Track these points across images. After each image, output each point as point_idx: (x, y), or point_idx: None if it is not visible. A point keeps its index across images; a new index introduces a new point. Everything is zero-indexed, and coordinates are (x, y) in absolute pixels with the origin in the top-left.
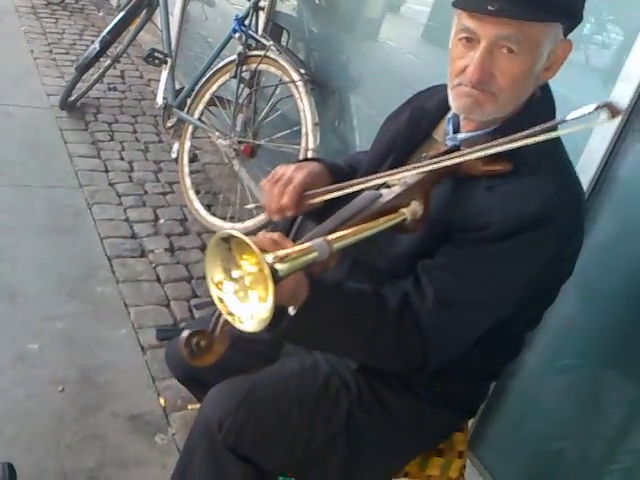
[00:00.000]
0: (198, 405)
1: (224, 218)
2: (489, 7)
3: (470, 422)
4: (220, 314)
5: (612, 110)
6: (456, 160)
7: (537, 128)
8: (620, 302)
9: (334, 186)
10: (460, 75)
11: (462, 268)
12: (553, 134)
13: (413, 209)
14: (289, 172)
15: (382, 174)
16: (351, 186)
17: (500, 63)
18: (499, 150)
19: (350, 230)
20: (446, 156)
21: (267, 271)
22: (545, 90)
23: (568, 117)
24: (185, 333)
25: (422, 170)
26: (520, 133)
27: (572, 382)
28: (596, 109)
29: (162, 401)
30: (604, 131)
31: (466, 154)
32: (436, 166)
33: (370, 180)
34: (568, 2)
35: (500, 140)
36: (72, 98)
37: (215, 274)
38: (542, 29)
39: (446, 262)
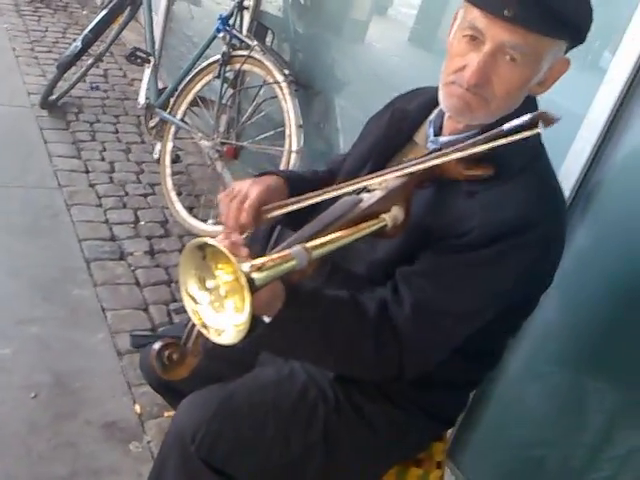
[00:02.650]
0: (174, 413)
1: (206, 220)
2: (505, 12)
3: (450, 430)
4: (194, 326)
5: (545, 120)
6: (434, 162)
7: (481, 137)
8: (600, 308)
9: (292, 199)
10: (457, 73)
11: (441, 275)
12: (517, 136)
13: (394, 215)
14: (245, 188)
15: (336, 186)
16: (310, 198)
17: (500, 70)
18: (475, 151)
19: (330, 237)
20: (422, 158)
21: (243, 280)
22: (529, 98)
23: (505, 126)
24: (156, 345)
25: (388, 176)
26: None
27: (552, 389)
28: (531, 118)
29: (137, 408)
30: (587, 137)
31: (443, 155)
32: (407, 170)
33: (328, 192)
34: (580, 23)
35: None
36: (53, 97)
37: (190, 285)
38: (548, 44)
39: (425, 269)
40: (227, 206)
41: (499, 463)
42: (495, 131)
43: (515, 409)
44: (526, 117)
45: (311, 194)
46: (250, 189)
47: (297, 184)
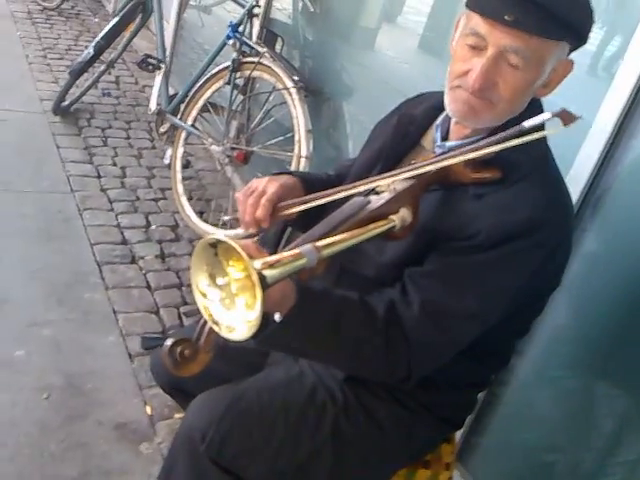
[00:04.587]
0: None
1: (216, 225)
2: (505, 17)
3: (459, 433)
4: (205, 322)
5: (565, 118)
6: (443, 163)
7: (500, 135)
8: (611, 312)
9: (309, 196)
10: (461, 77)
11: (449, 277)
12: (526, 138)
13: (402, 216)
14: (262, 184)
15: (351, 185)
16: (326, 196)
17: (504, 73)
18: (482, 153)
19: (339, 237)
20: (430, 160)
21: (255, 277)
22: (534, 100)
23: (525, 124)
24: (168, 342)
25: (398, 177)
26: (488, 139)
27: (563, 393)
28: (552, 117)
29: (148, 409)
30: (595, 142)
31: (452, 157)
32: (417, 172)
33: (343, 190)
34: (581, 23)
35: (479, 144)
36: (65, 103)
37: (200, 281)
38: (550, 46)
39: (433, 270)
40: (244, 202)
41: (508, 467)
42: (514, 129)
43: (525, 413)
44: (547, 115)
45: (328, 192)
46: (267, 185)
47: (312, 184)
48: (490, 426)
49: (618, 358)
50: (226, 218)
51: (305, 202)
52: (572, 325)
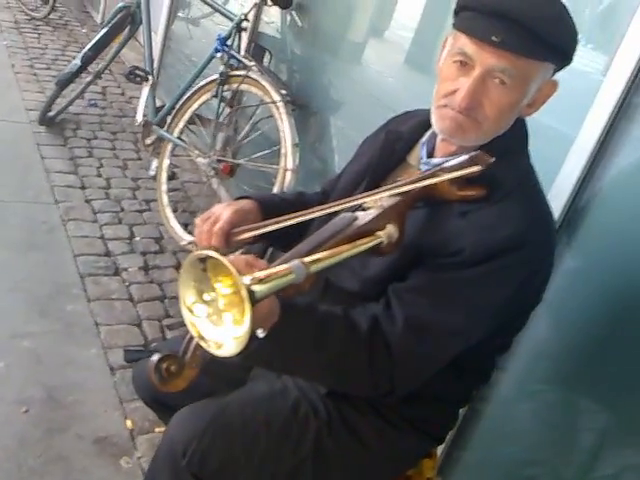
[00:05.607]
0: (165, 428)
1: None
2: (493, 37)
3: (441, 447)
4: (192, 338)
5: (480, 160)
6: (427, 181)
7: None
8: (591, 327)
9: (261, 223)
10: (448, 97)
11: (433, 293)
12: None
13: (389, 232)
14: (219, 210)
15: (305, 212)
16: (278, 222)
17: (490, 93)
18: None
19: (326, 253)
20: (414, 177)
21: (245, 293)
22: (518, 119)
23: (445, 165)
24: (155, 357)
25: (377, 195)
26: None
27: (544, 407)
28: (469, 158)
29: (129, 423)
30: (577, 158)
31: (436, 175)
32: (401, 189)
33: (304, 215)
34: (565, 45)
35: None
36: (51, 113)
37: (188, 297)
38: (536, 67)
39: (417, 286)
40: (200, 227)
41: None
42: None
43: (506, 428)
44: (465, 157)
45: (280, 218)
46: (222, 212)
47: (271, 207)
48: (471, 440)
49: (598, 373)
50: (183, 243)
51: (259, 228)
52: (552, 340)
